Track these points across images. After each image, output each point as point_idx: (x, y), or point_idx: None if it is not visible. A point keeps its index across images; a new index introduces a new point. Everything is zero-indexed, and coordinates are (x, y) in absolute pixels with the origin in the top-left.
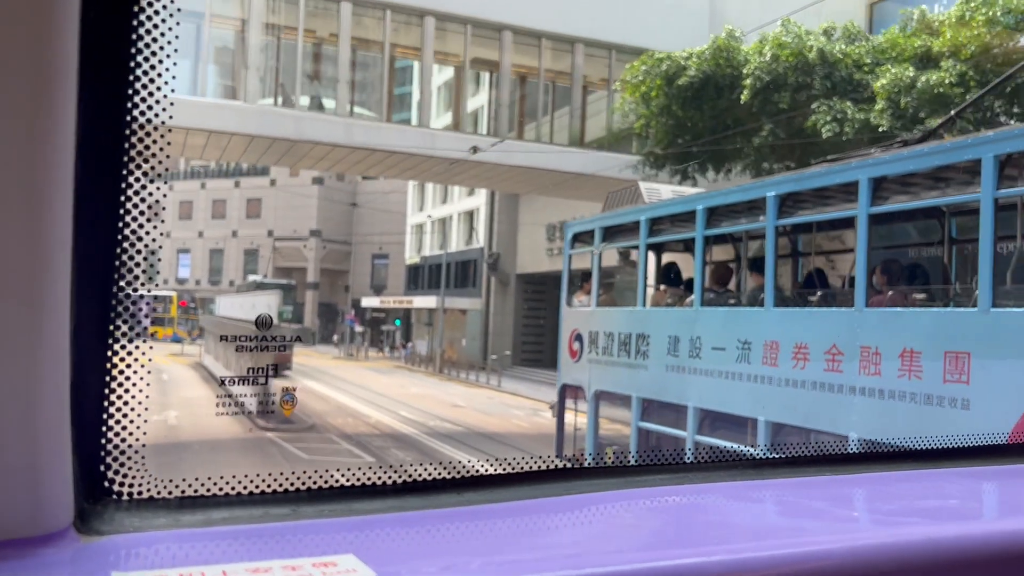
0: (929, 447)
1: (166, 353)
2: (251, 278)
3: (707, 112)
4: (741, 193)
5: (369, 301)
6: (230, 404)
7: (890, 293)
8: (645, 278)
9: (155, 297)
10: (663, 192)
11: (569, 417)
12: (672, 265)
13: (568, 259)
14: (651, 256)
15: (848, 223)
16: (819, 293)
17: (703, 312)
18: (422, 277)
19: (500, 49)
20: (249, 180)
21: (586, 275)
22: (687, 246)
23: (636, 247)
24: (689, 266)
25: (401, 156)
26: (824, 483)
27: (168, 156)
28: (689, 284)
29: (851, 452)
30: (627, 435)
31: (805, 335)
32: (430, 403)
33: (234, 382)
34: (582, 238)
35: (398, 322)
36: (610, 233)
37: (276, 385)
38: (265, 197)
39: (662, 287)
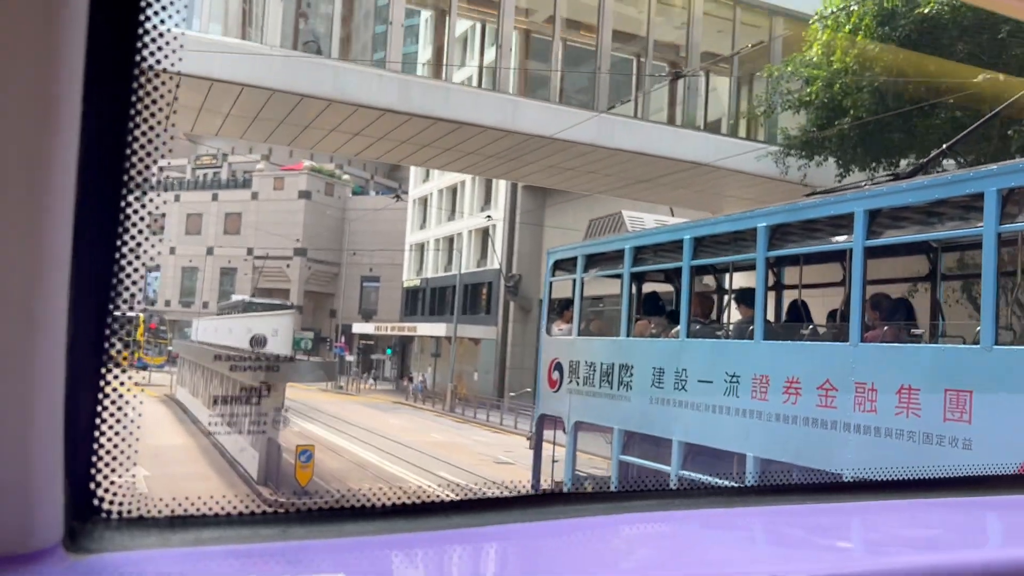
0: (916, 477)
1: (130, 382)
2: (236, 297)
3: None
4: (729, 223)
5: (362, 327)
6: (220, 460)
7: (885, 328)
8: (629, 307)
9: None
10: (647, 221)
11: (547, 449)
12: (653, 295)
13: (549, 286)
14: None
15: (836, 256)
16: (810, 327)
17: (689, 344)
18: (423, 302)
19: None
20: (228, 193)
21: (566, 303)
22: (667, 276)
23: (619, 276)
24: (668, 296)
25: (468, 133)
26: (810, 511)
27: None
28: (671, 315)
29: (838, 481)
30: (607, 469)
31: (797, 369)
32: (467, 457)
33: (222, 429)
34: (564, 265)
35: (389, 351)
36: (593, 261)
37: (284, 438)
38: (246, 212)
39: (645, 317)
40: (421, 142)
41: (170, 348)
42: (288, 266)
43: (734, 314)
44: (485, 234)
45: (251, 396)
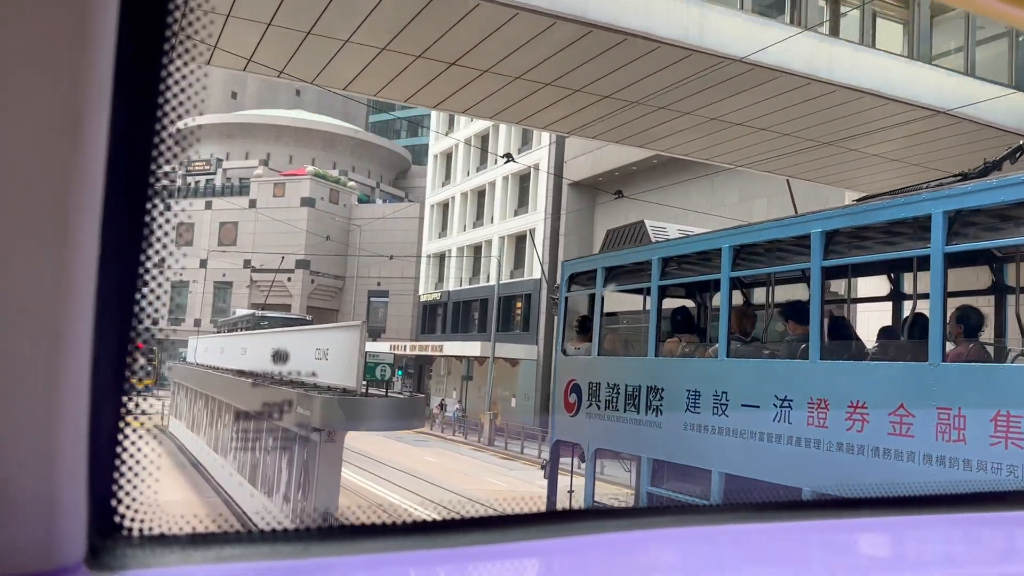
0: (917, 494)
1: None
2: (239, 311)
3: None
4: (778, 230)
5: (376, 346)
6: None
7: (971, 345)
8: (657, 324)
9: None
10: (670, 231)
11: (563, 479)
12: (684, 310)
13: (564, 302)
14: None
15: (887, 266)
16: (877, 345)
17: (730, 364)
18: (443, 317)
19: None
20: (224, 201)
21: (584, 320)
22: (688, 291)
23: (642, 290)
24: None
25: (634, 51)
26: (830, 528)
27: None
28: (701, 332)
29: (861, 497)
30: (627, 499)
31: (863, 392)
32: None
33: (241, 490)
34: (580, 279)
35: (400, 372)
36: (615, 274)
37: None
38: (242, 221)
39: (675, 335)
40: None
41: (163, 371)
42: (290, 280)
43: (774, 331)
44: (521, 240)
45: (290, 444)
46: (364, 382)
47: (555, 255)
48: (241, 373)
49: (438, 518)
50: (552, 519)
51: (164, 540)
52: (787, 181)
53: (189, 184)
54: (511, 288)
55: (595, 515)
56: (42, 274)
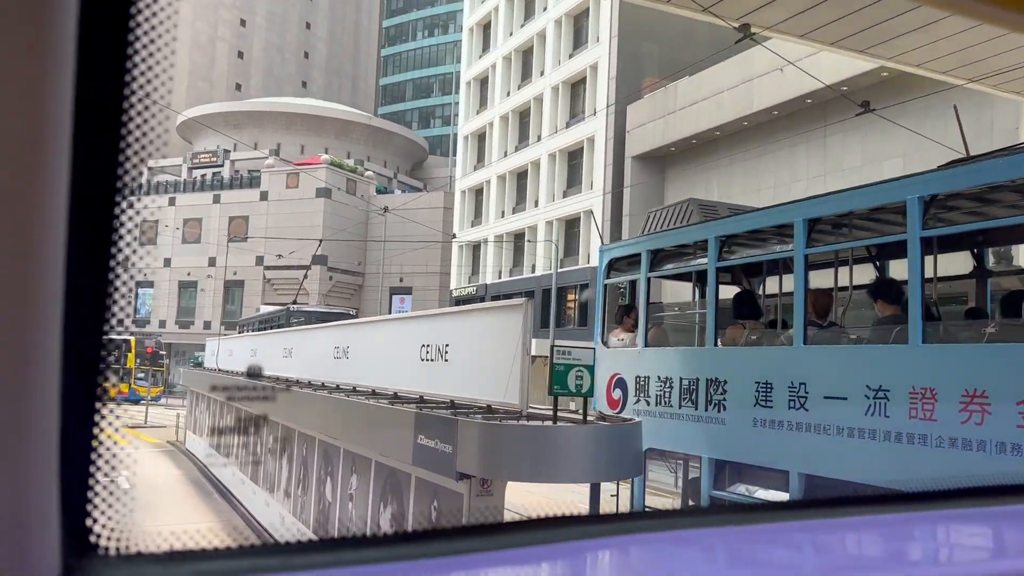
0: (906, 492)
1: (121, 421)
2: (264, 308)
3: None
4: (864, 197)
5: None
6: None
7: None
8: (716, 310)
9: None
10: (720, 210)
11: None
12: (748, 294)
13: (603, 290)
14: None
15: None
16: (993, 324)
17: (808, 351)
18: None
19: None
20: (233, 194)
21: (626, 309)
22: (734, 276)
23: (692, 274)
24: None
25: None
26: (852, 524)
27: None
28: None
29: (892, 493)
30: (676, 503)
31: (981, 380)
32: None
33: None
34: (620, 265)
35: None
36: (662, 257)
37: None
38: (253, 214)
39: (738, 322)
40: None
41: (172, 379)
42: (306, 276)
43: (854, 313)
44: (572, 224)
45: (398, 493)
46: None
47: (618, 238)
48: (300, 383)
49: (420, 530)
50: (546, 525)
51: (141, 558)
52: (955, 110)
53: (195, 178)
54: (562, 278)
55: (591, 520)
56: (6, 285)
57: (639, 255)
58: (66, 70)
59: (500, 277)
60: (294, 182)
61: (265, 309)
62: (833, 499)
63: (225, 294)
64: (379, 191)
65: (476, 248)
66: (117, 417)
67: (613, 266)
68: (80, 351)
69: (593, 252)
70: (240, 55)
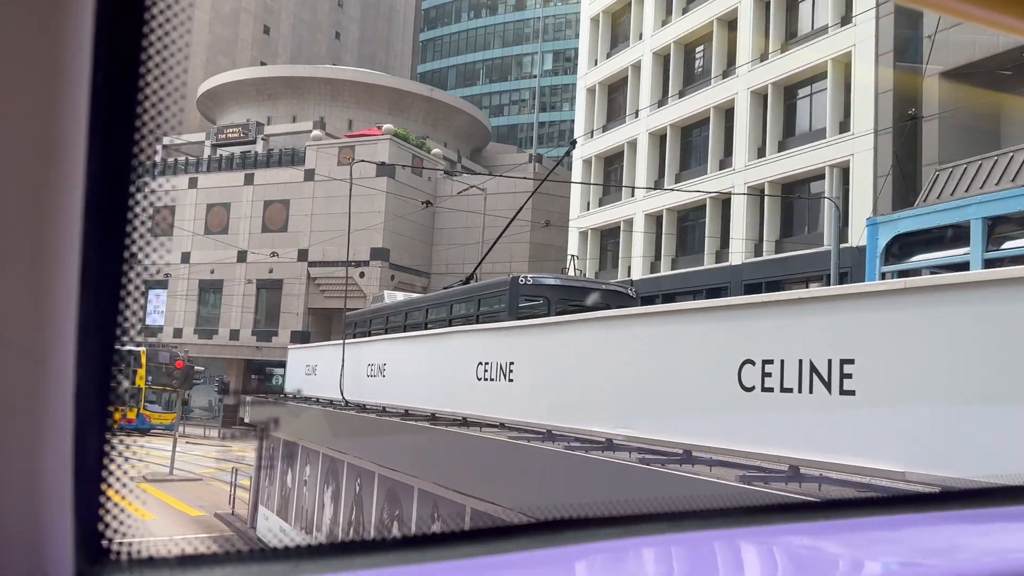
0: (888, 495)
1: (135, 467)
2: (398, 296)
3: None
4: None
5: None
6: None
7: None
8: None
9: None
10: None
11: None
12: None
13: (880, 280)
14: None
15: None
16: None
17: None
18: None
19: None
20: (269, 173)
21: None
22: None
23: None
24: None
25: None
26: (841, 527)
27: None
28: None
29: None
30: None
31: None
32: None
33: None
34: (914, 241)
35: None
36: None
37: None
38: (296, 198)
39: None
40: None
41: (194, 401)
42: (362, 275)
43: None
44: (790, 189)
45: None
46: None
47: (905, 203)
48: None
49: (428, 533)
50: (541, 530)
51: (153, 564)
52: None
53: (220, 157)
54: (783, 267)
55: (594, 524)
56: (20, 293)
57: (950, 229)
58: (83, 57)
59: (652, 272)
60: (348, 156)
61: (401, 297)
62: (833, 500)
63: (258, 296)
64: (447, 173)
65: (605, 234)
66: (127, 459)
67: (898, 245)
68: (94, 361)
69: (830, 231)
70: (266, 30)
